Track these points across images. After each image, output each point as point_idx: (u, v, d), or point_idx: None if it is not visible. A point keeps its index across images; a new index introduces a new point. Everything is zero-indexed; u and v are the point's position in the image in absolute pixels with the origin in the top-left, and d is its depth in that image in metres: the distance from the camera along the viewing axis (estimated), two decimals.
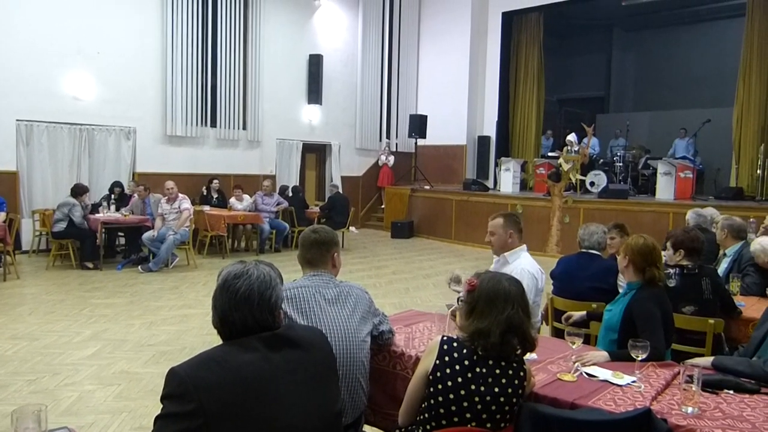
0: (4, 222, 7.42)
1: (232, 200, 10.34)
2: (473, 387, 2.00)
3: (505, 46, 14.76)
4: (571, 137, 11.08)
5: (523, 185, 13.48)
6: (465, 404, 2.00)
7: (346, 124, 14.25)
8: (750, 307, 3.75)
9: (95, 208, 8.79)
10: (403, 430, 2.20)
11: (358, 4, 14.23)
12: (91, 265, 8.14)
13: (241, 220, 9.68)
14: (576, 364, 2.43)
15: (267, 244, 10.24)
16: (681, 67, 15.91)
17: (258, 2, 11.96)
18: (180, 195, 8.52)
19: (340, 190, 12.01)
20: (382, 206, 14.37)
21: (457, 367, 2.02)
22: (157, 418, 1.47)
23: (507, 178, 12.80)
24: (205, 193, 10.77)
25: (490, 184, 14.11)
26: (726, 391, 2.24)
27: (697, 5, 14.61)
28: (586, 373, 2.39)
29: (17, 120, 8.99)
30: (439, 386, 2.02)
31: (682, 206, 9.08)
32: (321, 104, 13.37)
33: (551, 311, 3.91)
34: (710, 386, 2.24)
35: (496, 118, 14.75)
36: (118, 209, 8.80)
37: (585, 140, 11.13)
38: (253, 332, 1.57)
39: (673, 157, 11.90)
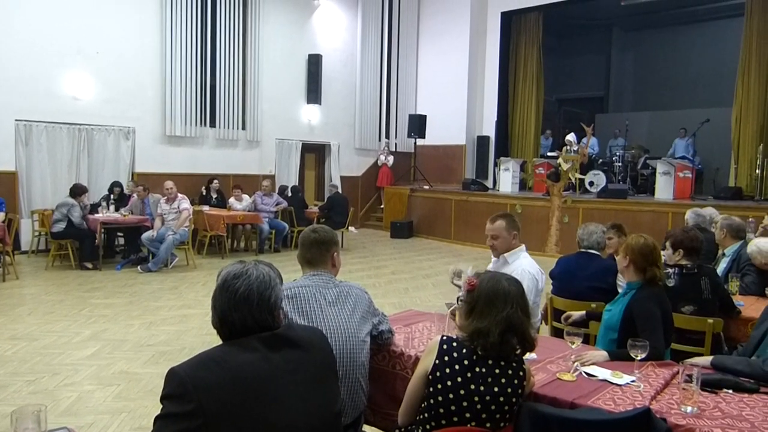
0: (4, 222, 7.41)
1: (232, 200, 10.33)
2: (473, 387, 2.00)
3: (505, 46, 14.76)
4: (571, 137, 11.09)
5: (523, 185, 13.48)
6: (464, 404, 2.00)
7: (346, 124, 14.25)
8: (749, 306, 3.75)
9: (94, 208, 8.79)
10: (402, 429, 2.20)
11: (357, 4, 14.23)
12: (90, 266, 8.14)
13: (241, 220, 9.67)
14: (575, 363, 2.44)
15: (266, 244, 10.24)
16: (680, 67, 15.93)
17: (257, 2, 11.96)
18: (179, 195, 8.52)
19: (340, 190, 12.01)
20: (382, 206, 14.37)
21: (457, 367, 2.02)
22: (156, 418, 1.47)
23: (506, 178, 12.81)
24: (204, 193, 10.77)
25: (489, 184, 14.12)
26: (725, 390, 2.25)
27: (696, 5, 14.63)
28: (586, 373, 2.39)
29: (16, 120, 8.99)
30: (439, 386, 2.02)
31: (681, 206, 9.09)
32: (320, 104, 13.38)
33: (550, 311, 3.91)
34: (709, 385, 2.24)
35: (496, 118, 14.75)
36: (117, 209, 8.80)
37: (584, 140, 11.14)
38: (253, 332, 1.57)
39: (673, 157, 11.91)
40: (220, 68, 11.50)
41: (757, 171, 10.53)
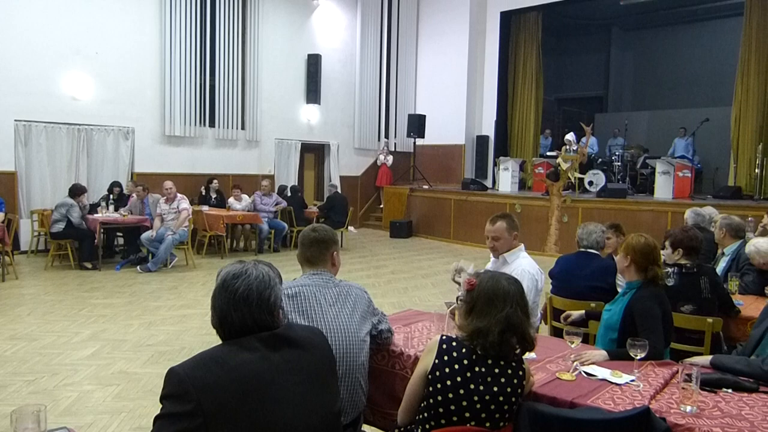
0: (3, 222, 7.40)
1: (231, 200, 10.33)
2: (472, 386, 2.00)
3: (504, 46, 14.76)
4: (570, 136, 11.09)
5: (522, 185, 13.48)
6: (464, 403, 2.00)
7: (345, 124, 14.25)
8: (748, 305, 3.76)
9: (94, 208, 8.78)
10: (402, 429, 2.20)
11: (356, 4, 14.22)
12: (89, 266, 8.14)
13: (240, 220, 9.67)
14: (575, 363, 2.44)
15: (266, 244, 10.24)
16: (679, 67, 15.94)
17: (256, 2, 11.96)
18: (178, 195, 8.52)
19: (339, 190, 12.01)
20: (381, 206, 14.37)
21: (456, 367, 2.02)
22: (156, 418, 1.47)
23: (505, 178, 12.81)
24: (203, 193, 10.77)
25: (488, 183, 14.12)
26: (724, 389, 2.25)
27: (695, 5, 14.64)
28: (585, 372, 2.39)
29: (15, 120, 8.98)
30: (438, 385, 2.02)
31: (681, 205, 9.10)
32: (319, 104, 13.38)
33: (550, 310, 3.91)
34: (709, 385, 2.25)
35: (495, 118, 14.75)
36: (116, 209, 8.79)
37: (583, 139, 11.13)
38: (252, 332, 1.57)
39: (673, 157, 11.92)
40: (220, 68, 11.50)
41: (756, 170, 10.54)
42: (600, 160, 12.94)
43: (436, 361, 2.04)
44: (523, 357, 2.12)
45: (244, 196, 10.43)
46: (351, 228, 12.61)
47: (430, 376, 2.04)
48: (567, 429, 1.94)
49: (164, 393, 1.47)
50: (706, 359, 2.56)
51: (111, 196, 9.10)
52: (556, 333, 3.73)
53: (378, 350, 2.65)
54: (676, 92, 15.92)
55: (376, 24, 14.67)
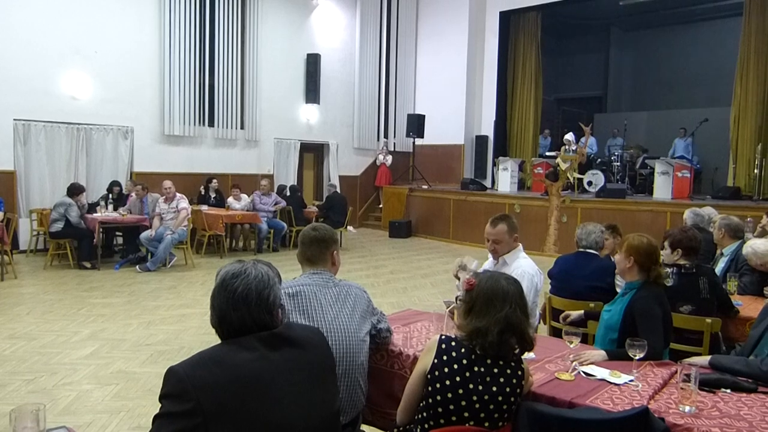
0: (2, 221, 7.40)
1: (230, 200, 10.33)
2: (471, 386, 2.00)
3: (503, 46, 14.76)
4: (569, 137, 11.10)
5: (521, 185, 13.48)
6: (463, 403, 2.00)
7: (344, 124, 14.25)
8: (747, 306, 3.76)
9: (93, 207, 8.78)
10: (401, 429, 2.21)
11: (355, 4, 14.22)
12: (88, 265, 8.14)
13: (239, 219, 9.67)
14: (574, 363, 2.44)
15: (265, 244, 10.23)
16: (678, 67, 15.95)
17: (256, 1, 11.95)
18: (178, 194, 8.52)
19: (338, 190, 12.01)
20: (380, 206, 14.37)
21: (456, 366, 2.02)
22: (155, 417, 1.47)
23: (505, 178, 12.82)
24: (202, 193, 10.76)
25: (487, 183, 14.13)
26: (723, 390, 2.25)
27: (694, 5, 14.64)
28: (584, 372, 2.40)
29: (15, 119, 8.97)
30: (437, 385, 2.02)
31: (680, 205, 9.11)
32: (319, 104, 13.37)
33: (549, 310, 3.91)
34: (707, 385, 2.25)
35: (494, 118, 14.75)
36: (115, 209, 8.79)
37: (583, 140, 11.15)
38: (252, 332, 1.57)
39: (672, 157, 11.93)
40: (219, 68, 11.49)
41: (755, 170, 10.55)
42: (599, 160, 12.95)
43: (435, 360, 2.05)
44: (522, 357, 2.12)
45: (244, 196, 10.43)
46: (350, 228, 12.61)
47: (429, 376, 2.04)
48: (566, 429, 1.94)
49: (163, 392, 1.47)
50: (704, 359, 2.56)
51: (110, 196, 9.10)
52: (555, 333, 3.73)
53: (377, 350, 2.65)
54: (675, 92, 15.94)
55: (375, 24, 14.67)
